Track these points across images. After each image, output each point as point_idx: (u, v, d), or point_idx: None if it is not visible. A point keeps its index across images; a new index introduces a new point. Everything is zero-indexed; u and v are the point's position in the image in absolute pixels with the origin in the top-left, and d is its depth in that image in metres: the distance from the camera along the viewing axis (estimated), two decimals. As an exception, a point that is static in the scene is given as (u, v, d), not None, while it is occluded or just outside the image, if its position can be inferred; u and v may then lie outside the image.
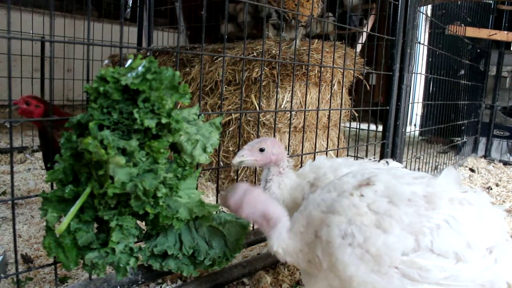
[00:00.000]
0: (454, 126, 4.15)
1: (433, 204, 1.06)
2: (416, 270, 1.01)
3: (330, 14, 4.63)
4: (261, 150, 1.39)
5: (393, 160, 1.69)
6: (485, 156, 4.84)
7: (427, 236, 1.03)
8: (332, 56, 2.35)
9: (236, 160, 1.38)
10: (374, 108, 2.50)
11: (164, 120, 1.13)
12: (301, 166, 2.17)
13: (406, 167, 2.46)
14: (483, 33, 4.04)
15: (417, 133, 4.47)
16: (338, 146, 2.36)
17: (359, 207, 1.07)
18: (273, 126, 2.61)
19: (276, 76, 2.52)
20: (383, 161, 1.49)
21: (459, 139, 4.41)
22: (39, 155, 3.77)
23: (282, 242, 1.18)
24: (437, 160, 3.90)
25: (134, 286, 1.39)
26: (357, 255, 1.04)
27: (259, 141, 1.41)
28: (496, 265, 1.06)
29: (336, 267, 1.07)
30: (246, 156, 1.38)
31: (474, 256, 1.04)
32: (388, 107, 2.43)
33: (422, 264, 1.01)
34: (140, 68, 1.11)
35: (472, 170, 4.10)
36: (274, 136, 1.97)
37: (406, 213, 1.04)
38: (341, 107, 2.38)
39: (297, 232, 1.17)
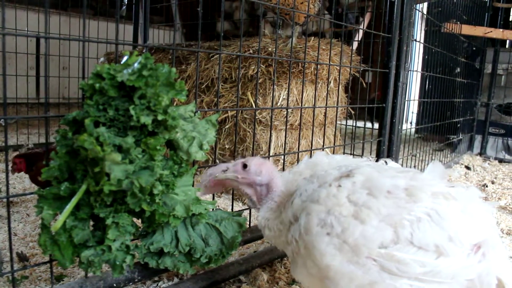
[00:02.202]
0: (450, 124, 4.17)
1: (414, 197, 1.07)
2: (394, 264, 1.02)
3: (326, 12, 4.63)
4: (244, 166, 1.31)
5: (391, 159, 1.68)
6: (480, 154, 4.86)
7: (407, 228, 1.03)
8: (329, 54, 2.35)
9: (220, 174, 1.35)
10: (370, 105, 2.51)
11: (160, 117, 1.13)
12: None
13: (402, 165, 2.47)
14: (479, 31, 4.06)
15: (413, 130, 4.48)
16: (334, 144, 2.37)
17: (338, 198, 1.09)
18: (269, 123, 2.60)
19: (272, 73, 2.52)
20: (381, 160, 1.49)
21: (455, 136, 4.43)
22: (34, 153, 3.74)
23: (268, 214, 1.30)
24: (433, 157, 3.91)
25: (130, 284, 1.38)
26: (335, 245, 1.05)
27: (246, 158, 1.35)
28: (485, 260, 1.06)
29: (314, 255, 1.09)
30: (230, 170, 1.33)
31: (457, 251, 1.03)
32: (384, 105, 2.43)
33: (401, 258, 1.01)
34: (136, 65, 1.11)
35: (467, 167, 4.12)
36: (270, 133, 1.97)
37: (385, 205, 1.05)
38: (337, 105, 2.38)
39: (279, 214, 1.27)
